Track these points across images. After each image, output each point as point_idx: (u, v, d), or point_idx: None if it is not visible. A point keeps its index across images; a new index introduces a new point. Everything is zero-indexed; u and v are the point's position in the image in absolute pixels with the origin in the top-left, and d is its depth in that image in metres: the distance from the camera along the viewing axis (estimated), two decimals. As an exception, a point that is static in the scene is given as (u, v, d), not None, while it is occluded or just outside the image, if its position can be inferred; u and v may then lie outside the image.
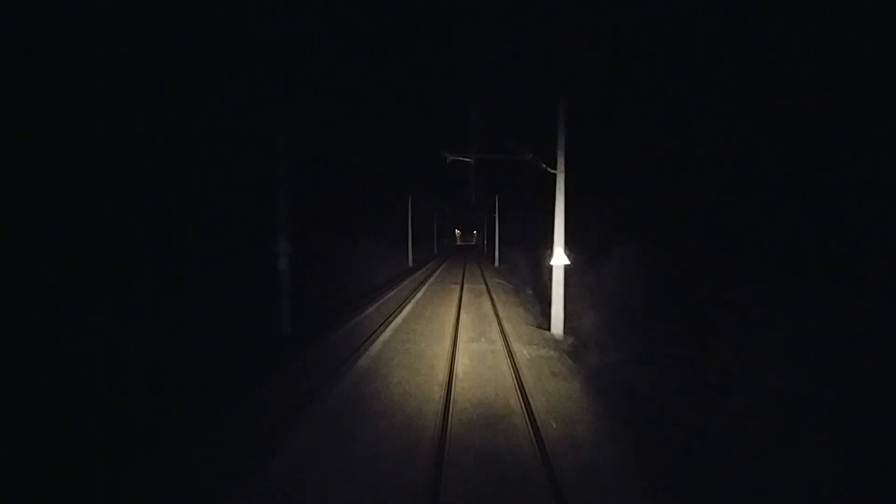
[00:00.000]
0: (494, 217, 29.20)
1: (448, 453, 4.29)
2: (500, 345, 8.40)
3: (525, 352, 7.95)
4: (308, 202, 17.30)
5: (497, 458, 4.28)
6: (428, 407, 5.45)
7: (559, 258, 9.67)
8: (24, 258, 5.23)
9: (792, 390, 5.14)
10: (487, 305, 12.48)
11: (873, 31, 6.02)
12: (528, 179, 32.42)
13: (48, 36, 5.83)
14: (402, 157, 37.94)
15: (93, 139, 6.39)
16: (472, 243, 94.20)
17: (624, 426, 5.05)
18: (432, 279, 19.70)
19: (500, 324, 10.07)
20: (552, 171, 9.65)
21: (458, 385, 6.18)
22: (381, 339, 8.79)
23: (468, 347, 8.19)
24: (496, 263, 28.87)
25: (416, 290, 15.61)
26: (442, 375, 6.57)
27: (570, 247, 9.98)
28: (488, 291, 15.35)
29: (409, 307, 12.15)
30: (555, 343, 9.00)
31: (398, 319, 10.56)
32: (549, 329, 9.81)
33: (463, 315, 11.00)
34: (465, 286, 17.05)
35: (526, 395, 5.72)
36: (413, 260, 29.78)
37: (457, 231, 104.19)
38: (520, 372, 6.61)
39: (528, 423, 4.97)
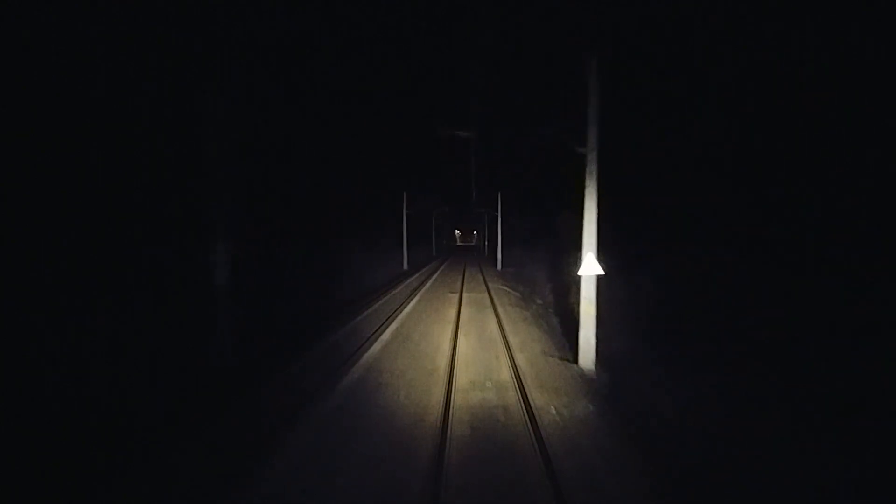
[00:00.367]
0: (496, 216, 26.64)
1: None
2: (513, 394, 5.82)
3: (553, 409, 5.36)
4: (279, 198, 14.90)
5: None
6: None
7: (590, 266, 7.11)
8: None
9: None
10: (492, 324, 9.91)
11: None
12: (534, 172, 29.85)
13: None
14: (396, 150, 35.47)
15: None
16: (472, 244, 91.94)
17: None
18: (427, 285, 17.17)
19: (510, 354, 7.49)
20: (579, 150, 7.10)
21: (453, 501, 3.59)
22: (345, 384, 6.23)
23: (467, 402, 5.58)
24: (498, 266, 26.32)
25: (407, 300, 13.06)
26: (421, 482, 3.90)
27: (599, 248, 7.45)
28: (492, 303, 12.80)
29: (393, 326, 9.61)
30: (587, 385, 6.43)
31: (377, 346, 8.00)
32: (575, 361, 7.27)
33: (462, 340, 8.43)
34: (465, 294, 14.51)
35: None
36: (408, 263, 27.25)
37: (456, 231, 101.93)
38: (553, 465, 4.00)
39: None
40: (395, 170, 33.27)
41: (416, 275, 21.47)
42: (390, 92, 27.39)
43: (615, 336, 8.33)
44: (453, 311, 11.30)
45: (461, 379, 6.34)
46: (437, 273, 22.75)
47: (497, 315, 10.78)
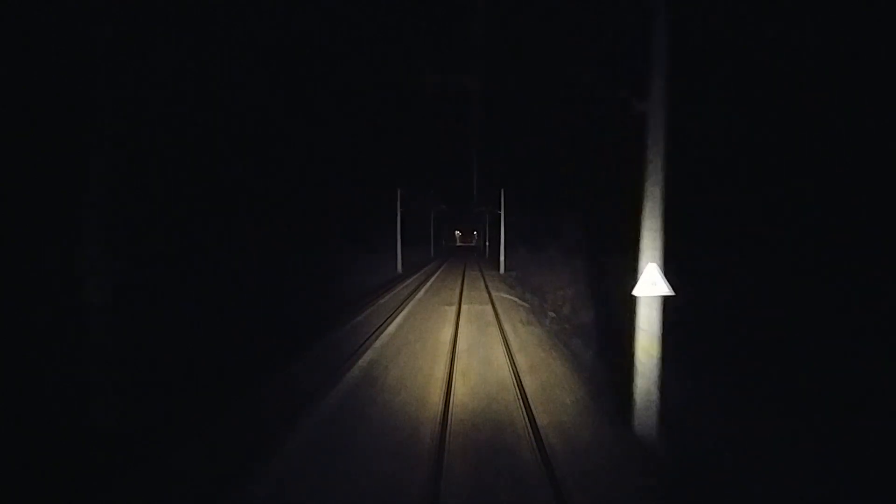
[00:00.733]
0: (498, 214, 24.15)
1: None
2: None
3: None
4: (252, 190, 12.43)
5: None
6: None
7: (652, 283, 4.59)
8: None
9: None
10: (499, 356, 7.40)
11: None
12: (539, 169, 27.34)
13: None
14: (392, 144, 32.98)
15: None
16: (473, 244, 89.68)
17: None
18: (420, 294, 14.68)
19: (530, 418, 4.97)
20: (638, 105, 4.63)
21: None
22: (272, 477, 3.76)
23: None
24: (501, 269, 23.83)
25: (393, 315, 10.58)
26: None
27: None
28: (496, 319, 10.30)
29: (368, 356, 7.15)
30: (653, 472, 3.95)
31: (334, 397, 5.52)
32: (626, 421, 4.78)
33: (458, 385, 5.91)
34: (465, 306, 12.02)
35: None
36: (403, 265, 24.78)
37: (456, 232, 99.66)
38: None
39: None
40: (390, 165, 30.90)
41: (410, 280, 18.99)
42: (378, 52, 24.33)
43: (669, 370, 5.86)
44: (448, 334, 8.79)
45: (456, 467, 3.84)
46: (434, 277, 20.27)
47: (504, 339, 8.26)
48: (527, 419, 4.85)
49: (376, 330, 9.00)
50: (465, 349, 7.68)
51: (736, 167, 7.55)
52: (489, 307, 12.07)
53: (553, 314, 12.26)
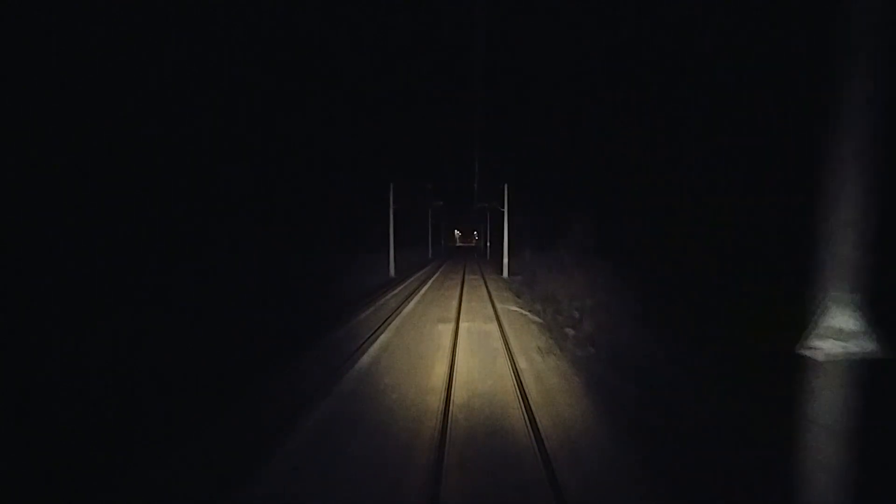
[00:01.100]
0: (501, 211, 21.67)
1: None
2: None
3: None
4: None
5: None
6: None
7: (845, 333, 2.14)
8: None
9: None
10: (515, 422, 4.95)
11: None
12: (545, 164, 24.84)
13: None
14: (387, 136, 30.56)
15: None
16: (473, 245, 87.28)
17: None
18: (410, 306, 12.22)
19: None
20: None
21: None
22: None
23: None
24: (504, 273, 21.35)
25: (372, 336, 8.14)
26: None
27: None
28: (507, 348, 7.79)
29: (327, 407, 4.74)
30: None
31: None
32: None
33: (451, 480, 3.54)
34: (464, 324, 9.56)
35: None
36: (396, 268, 22.32)
37: (456, 232, 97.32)
38: None
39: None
40: (384, 158, 28.50)
41: (402, 286, 16.51)
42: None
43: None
44: (442, 370, 6.32)
45: None
46: (430, 284, 17.80)
47: (520, 385, 5.77)
48: None
49: (359, 349, 6.52)
50: (462, 403, 5.17)
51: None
52: (494, 326, 9.59)
53: (572, 331, 9.83)
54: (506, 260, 21.62)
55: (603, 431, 4.54)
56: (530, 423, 4.60)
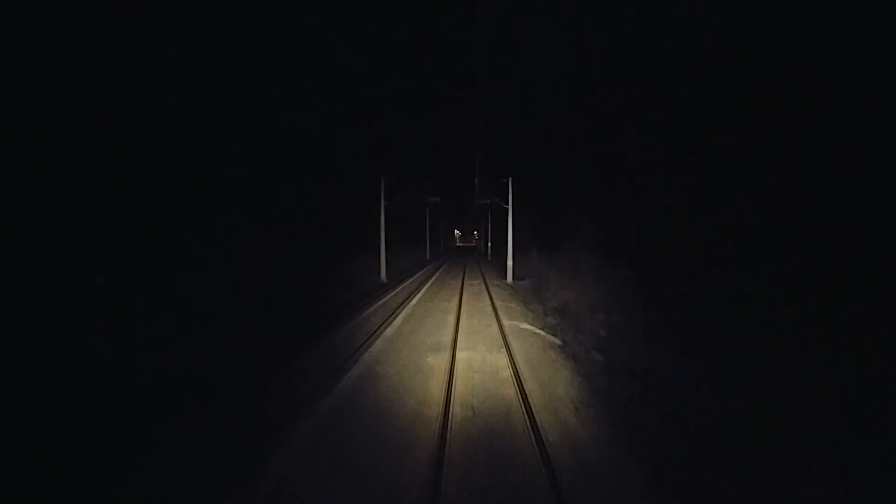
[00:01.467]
0: (506, 208, 19.20)
1: None
2: None
3: None
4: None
5: None
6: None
7: None
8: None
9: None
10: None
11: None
12: (550, 158, 22.44)
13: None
14: (384, 131, 28.13)
15: None
16: (473, 244, 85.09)
17: None
18: (398, 321, 9.75)
19: None
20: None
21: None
22: None
23: None
24: (509, 277, 18.88)
25: (330, 387, 5.75)
26: None
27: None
28: (526, 410, 5.32)
29: None
30: None
31: None
32: None
33: None
34: (462, 354, 7.10)
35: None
36: (390, 272, 19.89)
37: (456, 231, 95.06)
38: None
39: None
40: (377, 152, 26.11)
41: (392, 294, 14.04)
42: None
43: None
44: (419, 463, 3.91)
45: None
46: (425, 290, 15.34)
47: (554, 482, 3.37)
48: None
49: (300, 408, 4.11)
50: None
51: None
52: (503, 357, 7.13)
53: (599, 356, 7.46)
54: (510, 262, 19.15)
55: None
56: None
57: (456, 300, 12.80)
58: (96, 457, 3.73)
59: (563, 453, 3.92)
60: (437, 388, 5.62)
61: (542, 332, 9.13)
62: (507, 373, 6.28)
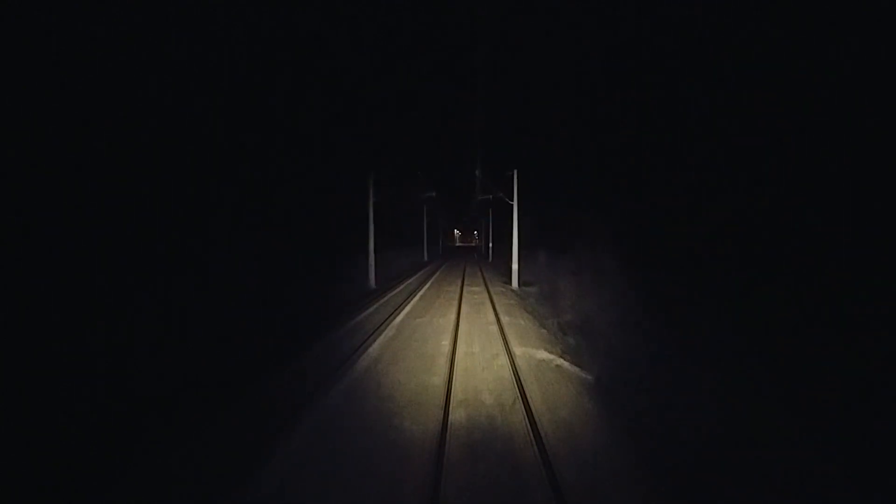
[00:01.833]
0: (511, 204, 16.80)
1: None
2: None
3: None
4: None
5: None
6: None
7: None
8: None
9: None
10: None
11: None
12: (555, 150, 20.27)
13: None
14: (384, 131, 25.89)
15: None
16: (473, 245, 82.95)
17: None
18: (374, 349, 7.33)
19: None
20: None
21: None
22: None
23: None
24: (514, 283, 16.49)
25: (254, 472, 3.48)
26: None
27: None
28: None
29: None
30: None
31: None
32: None
33: None
34: (458, 416, 4.79)
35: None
36: (381, 277, 17.54)
37: (455, 231, 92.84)
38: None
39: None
40: (384, 158, 23.86)
41: (375, 307, 11.65)
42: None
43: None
44: None
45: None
46: (417, 299, 12.95)
47: None
48: None
49: None
50: None
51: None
52: (519, 414, 4.76)
53: (648, 403, 5.11)
54: (515, 265, 16.74)
55: None
56: None
57: (453, 315, 10.41)
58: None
59: None
60: (420, 477, 3.25)
61: (565, 364, 6.75)
62: (530, 453, 3.91)
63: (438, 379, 5.86)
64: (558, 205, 22.71)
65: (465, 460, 3.81)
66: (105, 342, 5.39)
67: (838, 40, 6.56)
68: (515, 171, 16.60)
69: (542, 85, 21.92)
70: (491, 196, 18.13)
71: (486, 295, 13.82)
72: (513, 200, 16.55)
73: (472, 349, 7.40)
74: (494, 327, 9.04)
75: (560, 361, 6.87)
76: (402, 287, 16.00)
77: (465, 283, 17.35)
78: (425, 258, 34.47)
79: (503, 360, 6.78)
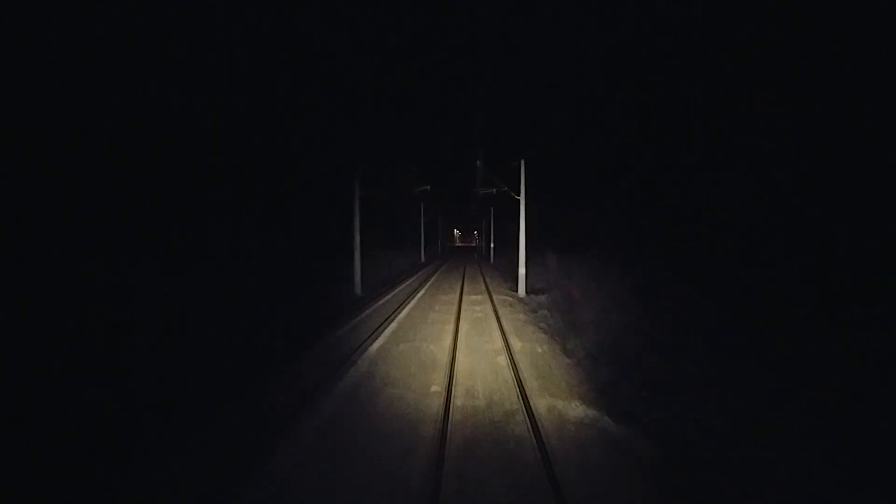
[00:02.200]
0: (517, 198, 14.43)
1: None
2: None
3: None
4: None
5: None
6: None
7: None
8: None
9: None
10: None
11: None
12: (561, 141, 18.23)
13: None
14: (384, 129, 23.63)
15: None
16: (473, 245, 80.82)
17: None
18: (343, 391, 5.05)
19: None
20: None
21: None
22: None
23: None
24: (521, 290, 14.13)
25: None
26: None
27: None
28: None
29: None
30: None
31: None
32: None
33: None
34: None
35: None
36: (373, 281, 15.24)
37: (455, 231, 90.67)
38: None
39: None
40: (383, 158, 21.59)
41: (350, 326, 9.29)
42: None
43: None
44: None
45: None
46: (409, 309, 10.61)
47: None
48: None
49: None
50: None
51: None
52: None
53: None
54: (522, 269, 14.39)
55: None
56: None
57: (448, 336, 8.07)
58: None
59: None
60: None
61: (611, 426, 4.42)
62: None
63: (417, 478, 3.51)
64: (565, 201, 20.40)
65: None
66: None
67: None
68: (523, 162, 14.23)
69: (548, 70, 19.71)
70: (495, 190, 15.75)
71: (489, 305, 11.48)
72: (519, 195, 14.18)
73: (474, 400, 5.05)
74: (503, 358, 6.70)
75: (605, 422, 4.54)
76: (391, 295, 13.67)
77: (465, 289, 15.01)
78: (422, 259, 32.16)
79: (521, 426, 4.43)
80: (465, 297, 12.94)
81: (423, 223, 32.48)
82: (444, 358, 6.67)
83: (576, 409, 4.84)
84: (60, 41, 5.50)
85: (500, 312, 10.40)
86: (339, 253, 16.06)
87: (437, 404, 4.89)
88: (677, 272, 10.95)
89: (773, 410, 4.71)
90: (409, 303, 12.04)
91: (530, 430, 4.27)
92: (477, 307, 11.37)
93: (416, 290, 14.71)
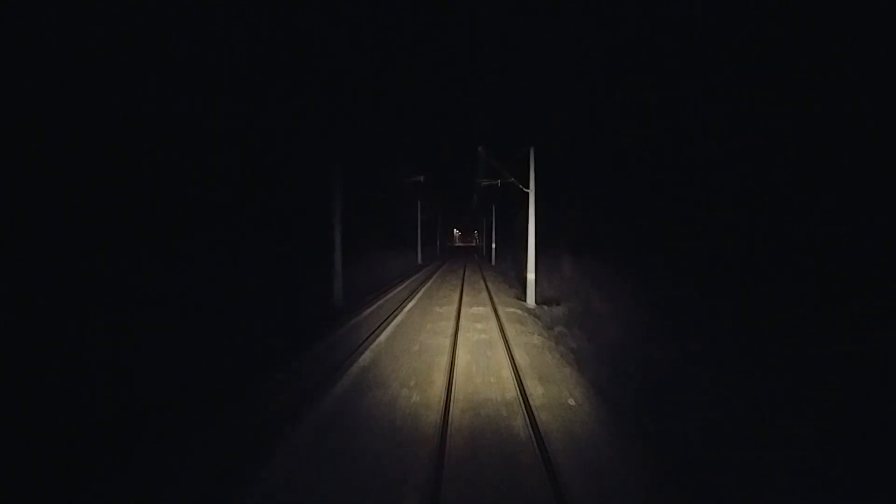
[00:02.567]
0: (525, 191, 12.11)
1: None
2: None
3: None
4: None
5: None
6: None
7: None
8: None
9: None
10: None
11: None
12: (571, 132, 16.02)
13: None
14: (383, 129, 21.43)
15: None
16: (473, 245, 78.78)
17: None
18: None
19: None
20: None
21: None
22: None
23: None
24: (530, 300, 11.85)
25: None
26: None
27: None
28: None
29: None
30: None
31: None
32: None
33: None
34: None
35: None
36: (361, 288, 12.97)
37: (455, 231, 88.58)
38: None
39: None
40: (383, 158, 19.47)
41: (314, 354, 7.03)
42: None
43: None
44: None
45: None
46: (392, 329, 8.33)
47: None
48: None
49: None
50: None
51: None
52: None
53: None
54: (531, 275, 12.10)
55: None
56: None
57: (441, 377, 5.78)
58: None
59: None
60: None
61: None
62: None
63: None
64: (579, 197, 18.09)
65: None
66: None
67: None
68: (532, 149, 11.93)
69: (553, 58, 17.56)
70: (499, 182, 13.44)
71: (493, 322, 9.19)
72: (528, 188, 11.88)
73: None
74: (520, 421, 4.39)
75: None
76: (376, 306, 11.38)
77: (464, 299, 12.70)
78: (419, 261, 29.87)
79: None
80: (464, 311, 10.64)
81: (419, 221, 30.18)
82: (431, 422, 4.37)
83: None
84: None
85: (509, 334, 8.11)
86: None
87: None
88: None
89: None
90: (395, 317, 9.76)
91: None
92: (479, 324, 9.08)
93: (405, 300, 12.42)
